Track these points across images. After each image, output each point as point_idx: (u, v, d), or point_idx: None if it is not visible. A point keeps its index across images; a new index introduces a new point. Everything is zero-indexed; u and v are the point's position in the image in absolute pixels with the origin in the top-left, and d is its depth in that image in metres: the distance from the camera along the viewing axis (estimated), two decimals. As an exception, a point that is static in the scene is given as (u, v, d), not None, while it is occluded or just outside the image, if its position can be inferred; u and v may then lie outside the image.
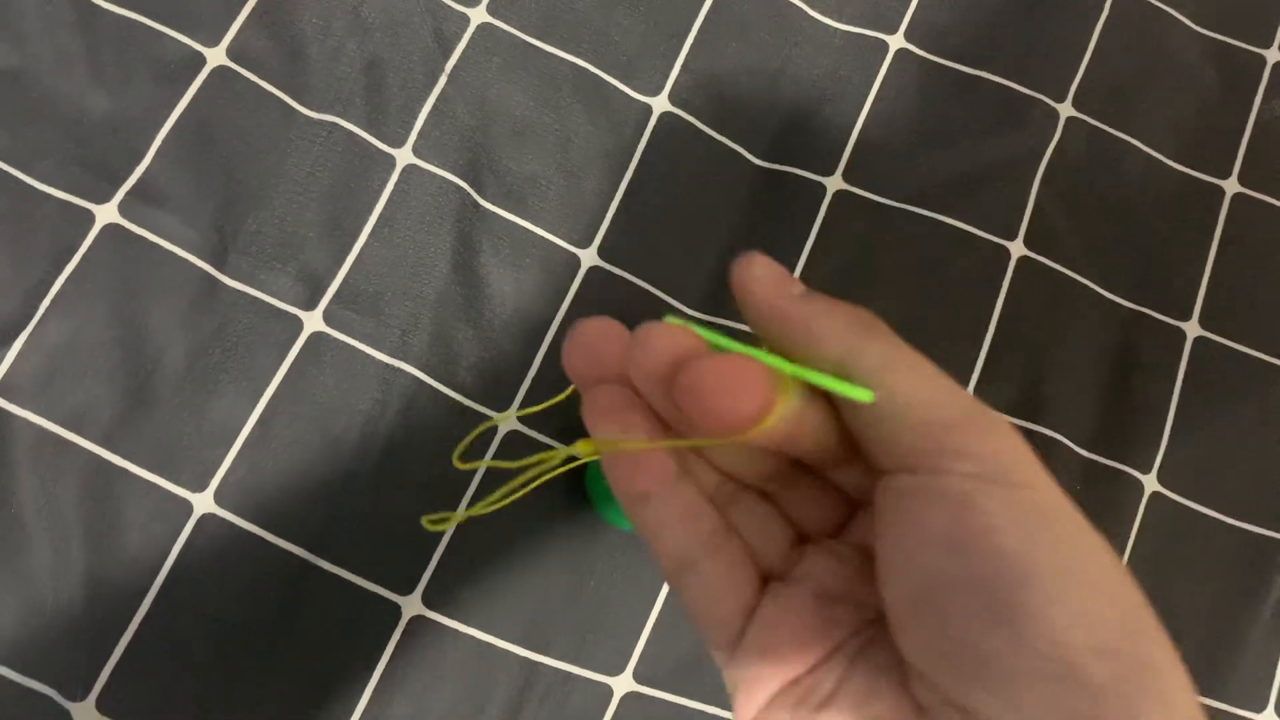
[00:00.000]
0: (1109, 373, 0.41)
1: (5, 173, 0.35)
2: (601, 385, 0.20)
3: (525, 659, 0.35)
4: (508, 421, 0.37)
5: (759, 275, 0.19)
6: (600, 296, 0.38)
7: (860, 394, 0.18)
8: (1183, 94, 0.44)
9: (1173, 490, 0.40)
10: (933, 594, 0.18)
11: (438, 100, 0.39)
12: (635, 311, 0.38)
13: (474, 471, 0.36)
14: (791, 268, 0.40)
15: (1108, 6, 0.45)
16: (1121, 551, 0.39)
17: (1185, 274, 0.42)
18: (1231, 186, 0.44)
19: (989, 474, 0.17)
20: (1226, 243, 0.43)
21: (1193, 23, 0.45)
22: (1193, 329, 0.42)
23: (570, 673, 0.36)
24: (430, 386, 0.36)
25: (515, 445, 0.37)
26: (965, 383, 0.40)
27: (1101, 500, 0.39)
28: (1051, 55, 0.44)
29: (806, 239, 0.40)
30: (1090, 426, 0.40)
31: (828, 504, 0.22)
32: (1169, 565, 0.39)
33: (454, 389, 0.37)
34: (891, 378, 0.18)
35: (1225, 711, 0.39)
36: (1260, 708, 0.39)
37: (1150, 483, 0.40)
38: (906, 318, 0.39)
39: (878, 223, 0.41)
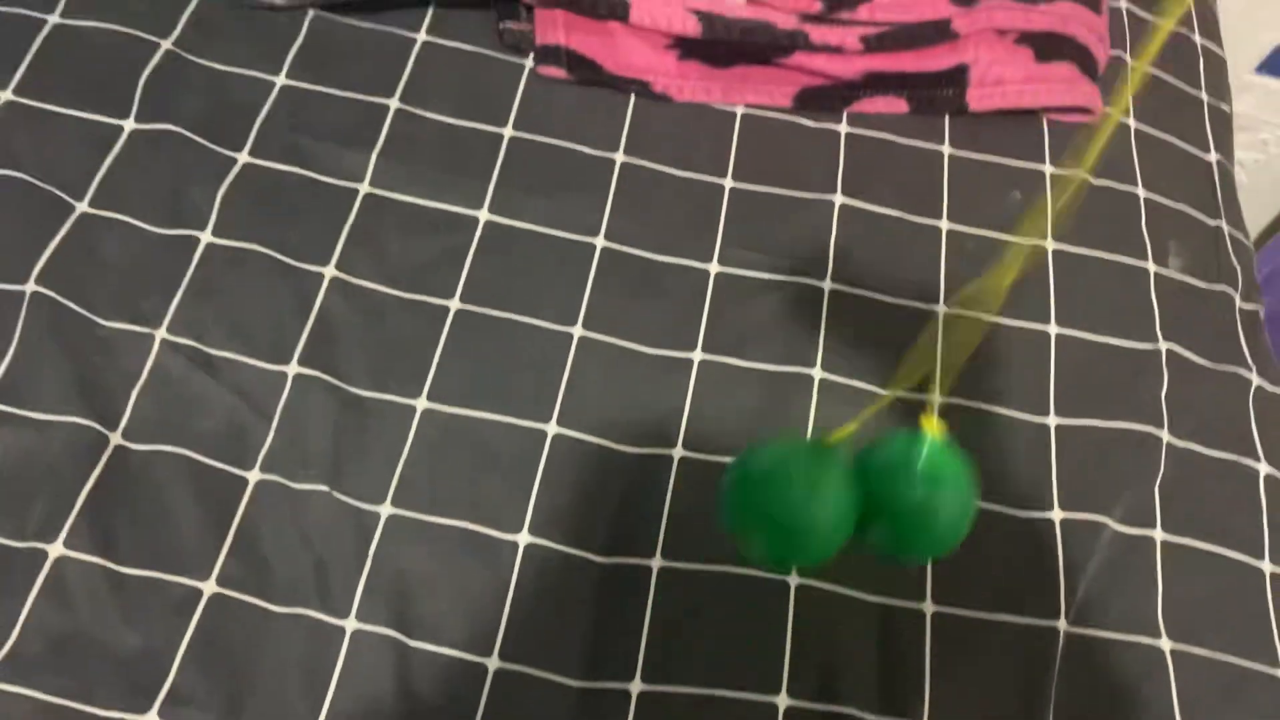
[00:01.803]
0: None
1: (73, 708, 0.50)
2: None
3: None
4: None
5: None
6: (501, 689, 0.53)
7: None
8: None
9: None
10: None
11: (368, 578, 0.55)
12: (524, 691, 0.53)
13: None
14: (635, 648, 0.55)
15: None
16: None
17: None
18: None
19: None
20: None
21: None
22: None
23: None
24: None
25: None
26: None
27: None
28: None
29: (644, 613, 0.56)
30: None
31: None
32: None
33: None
34: None
35: None
36: None
37: None
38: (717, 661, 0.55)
39: (696, 585, 0.57)
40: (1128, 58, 0.81)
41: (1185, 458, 0.65)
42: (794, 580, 0.58)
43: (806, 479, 0.40)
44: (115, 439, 0.56)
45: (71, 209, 0.62)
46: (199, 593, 0.53)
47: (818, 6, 0.71)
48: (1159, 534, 0.62)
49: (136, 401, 0.58)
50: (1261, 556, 0.62)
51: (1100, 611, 0.59)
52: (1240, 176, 1.16)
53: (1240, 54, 1.11)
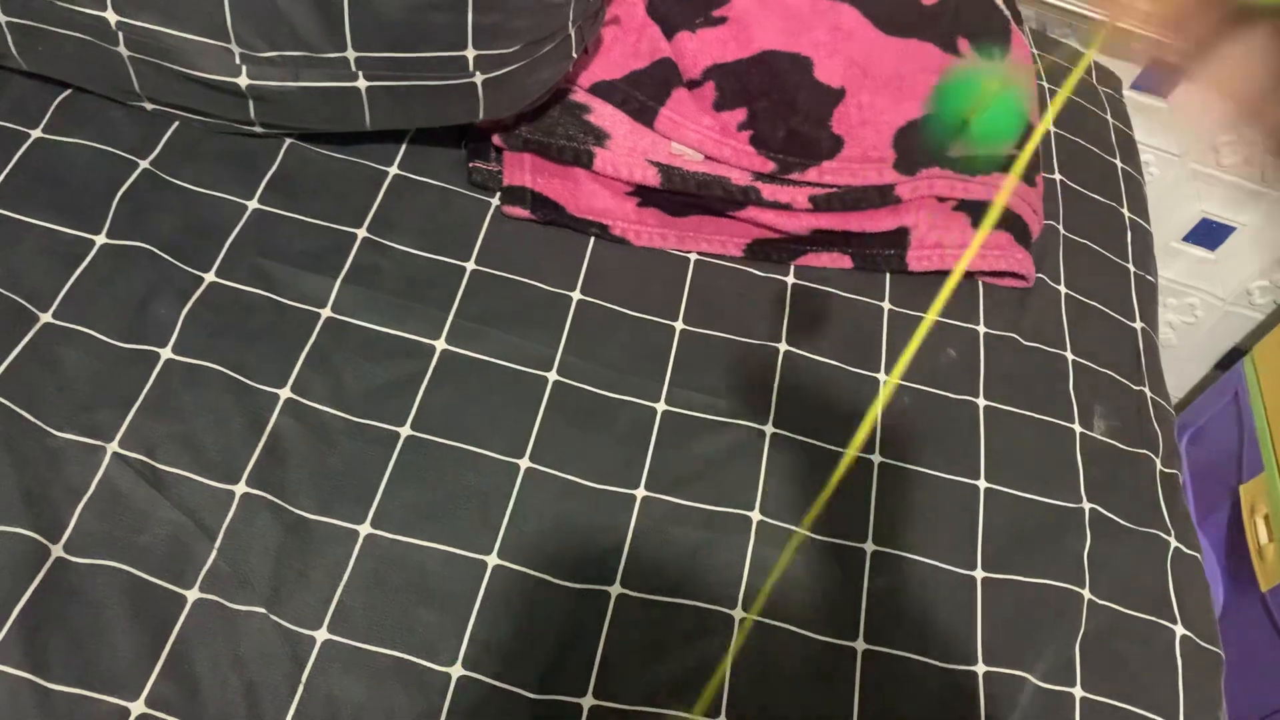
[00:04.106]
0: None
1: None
2: None
3: None
4: None
5: None
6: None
7: None
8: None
9: None
10: None
11: (299, 704, 0.55)
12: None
13: None
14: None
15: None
16: None
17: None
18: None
19: None
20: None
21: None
22: None
23: None
24: None
25: None
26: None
27: None
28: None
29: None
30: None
31: None
32: None
33: None
34: None
35: None
36: None
37: None
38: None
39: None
40: (1060, 228, 0.86)
41: (1105, 616, 0.67)
42: (722, 724, 0.59)
43: None
44: (56, 551, 0.56)
45: (35, 319, 0.64)
46: (126, 712, 0.53)
47: (770, 166, 0.75)
48: (1078, 691, 0.64)
49: (81, 514, 0.58)
50: (1176, 717, 0.64)
51: (1020, 768, 0.60)
52: (1172, 339, 1.22)
53: (1170, 224, 1.18)
